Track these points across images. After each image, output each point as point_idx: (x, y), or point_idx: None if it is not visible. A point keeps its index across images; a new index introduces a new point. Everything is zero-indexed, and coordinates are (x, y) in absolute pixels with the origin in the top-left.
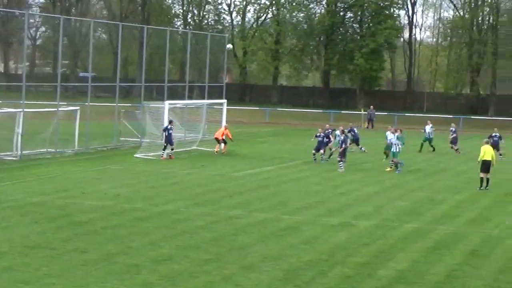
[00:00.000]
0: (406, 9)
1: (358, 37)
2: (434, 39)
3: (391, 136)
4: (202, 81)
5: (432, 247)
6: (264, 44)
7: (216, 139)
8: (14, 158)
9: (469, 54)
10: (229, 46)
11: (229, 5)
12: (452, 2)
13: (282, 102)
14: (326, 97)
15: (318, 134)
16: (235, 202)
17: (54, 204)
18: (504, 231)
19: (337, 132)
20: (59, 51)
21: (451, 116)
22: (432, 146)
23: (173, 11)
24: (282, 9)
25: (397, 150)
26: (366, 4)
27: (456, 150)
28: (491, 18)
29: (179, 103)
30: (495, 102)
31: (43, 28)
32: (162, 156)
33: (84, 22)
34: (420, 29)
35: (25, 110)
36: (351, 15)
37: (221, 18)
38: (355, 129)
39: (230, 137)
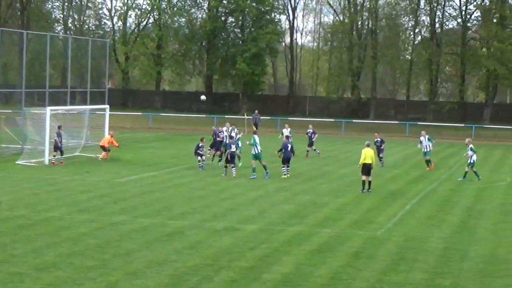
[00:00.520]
0: (287, 14)
1: (240, 42)
2: (315, 44)
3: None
4: (84, 86)
5: (316, 250)
6: (146, 49)
7: (102, 147)
8: None
9: (350, 58)
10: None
11: (110, 10)
12: (332, 7)
13: (165, 107)
14: (209, 102)
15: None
16: (119, 208)
17: None
18: (387, 233)
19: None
20: None
21: (333, 120)
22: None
23: (53, 15)
24: (163, 14)
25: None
26: (247, 9)
27: (315, 150)
28: (370, 23)
29: (61, 109)
30: (375, 106)
31: None
32: (54, 162)
33: None
34: (301, 34)
35: None
36: (233, 20)
37: (102, 23)
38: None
39: (116, 145)
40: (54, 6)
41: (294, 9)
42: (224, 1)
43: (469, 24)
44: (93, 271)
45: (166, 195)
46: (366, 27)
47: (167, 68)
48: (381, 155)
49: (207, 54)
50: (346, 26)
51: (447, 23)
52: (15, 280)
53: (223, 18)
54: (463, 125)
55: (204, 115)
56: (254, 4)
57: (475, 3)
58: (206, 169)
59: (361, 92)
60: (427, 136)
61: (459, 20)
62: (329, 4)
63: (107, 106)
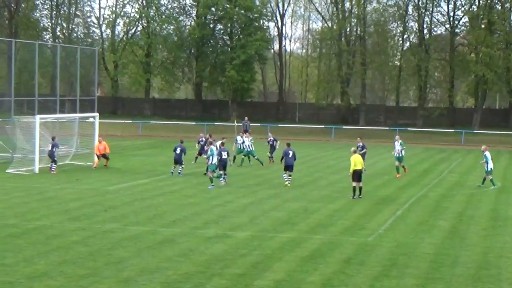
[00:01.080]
0: (276, 21)
1: (229, 49)
2: (304, 50)
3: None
4: (73, 94)
5: (308, 256)
6: (135, 57)
7: (103, 155)
8: None
9: (339, 65)
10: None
11: (98, 18)
12: (320, 14)
13: (155, 115)
14: (199, 109)
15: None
16: (110, 216)
17: None
18: (378, 239)
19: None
20: None
21: (323, 126)
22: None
23: (41, 24)
24: (152, 22)
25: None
26: (235, 16)
27: (270, 157)
28: (359, 29)
29: (51, 117)
30: (365, 112)
31: None
32: (54, 171)
33: None
34: (290, 41)
35: None
36: (221, 27)
37: (91, 31)
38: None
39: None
40: (43, 15)
41: (282, 16)
42: (212, 9)
43: (457, 30)
44: (85, 280)
45: (157, 202)
46: (355, 33)
47: (156, 76)
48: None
49: (196, 61)
50: (334, 33)
51: (435, 29)
52: None
53: (211, 26)
54: (452, 130)
55: (194, 123)
56: (242, 11)
57: (463, 9)
58: (197, 177)
59: (350, 98)
60: (400, 141)
61: (447, 26)
62: (317, 11)
63: (96, 114)
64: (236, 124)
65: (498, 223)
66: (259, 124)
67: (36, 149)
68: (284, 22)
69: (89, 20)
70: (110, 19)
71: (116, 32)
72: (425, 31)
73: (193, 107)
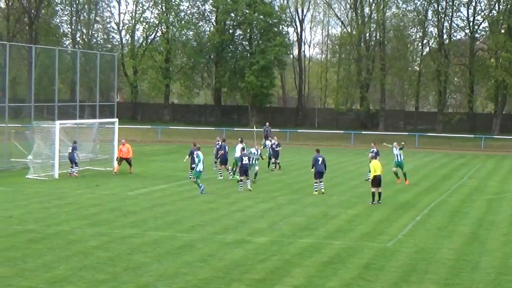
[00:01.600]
0: (295, 26)
1: (248, 55)
2: (323, 56)
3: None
4: (93, 100)
5: (327, 262)
6: (154, 62)
7: (126, 159)
8: None
9: (358, 70)
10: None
11: (117, 24)
12: (339, 19)
13: (174, 120)
14: (218, 115)
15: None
16: (130, 222)
17: None
18: (398, 244)
19: (252, 149)
20: None
21: (342, 132)
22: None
23: (61, 30)
24: (171, 27)
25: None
26: (255, 22)
27: (277, 163)
28: (378, 34)
29: (70, 122)
30: (384, 117)
31: None
32: (73, 173)
33: None
34: (309, 46)
35: None
36: (241, 32)
37: (110, 37)
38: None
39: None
40: (62, 21)
41: (301, 21)
42: (231, 14)
43: (477, 35)
44: (104, 285)
45: (176, 208)
46: (374, 38)
47: (176, 81)
48: None
49: (215, 67)
50: (354, 38)
51: (455, 34)
52: None
53: (231, 31)
54: (472, 135)
55: (213, 128)
56: (261, 17)
57: (482, 14)
58: (216, 182)
59: (370, 103)
60: (398, 147)
61: (467, 31)
62: (337, 16)
63: (116, 120)
64: (256, 129)
65: None
66: (278, 130)
67: (56, 154)
68: (303, 28)
69: (108, 25)
70: (130, 25)
71: (136, 38)
72: (445, 36)
73: (212, 113)
